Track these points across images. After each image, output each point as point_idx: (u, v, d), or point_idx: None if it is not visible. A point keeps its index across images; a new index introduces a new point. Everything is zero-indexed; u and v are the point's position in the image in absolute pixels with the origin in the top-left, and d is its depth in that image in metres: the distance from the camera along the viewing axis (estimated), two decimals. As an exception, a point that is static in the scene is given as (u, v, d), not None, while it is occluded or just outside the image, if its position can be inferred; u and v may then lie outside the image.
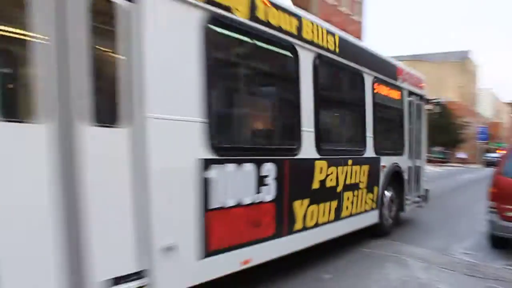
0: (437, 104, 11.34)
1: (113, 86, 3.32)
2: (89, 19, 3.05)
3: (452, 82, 53.98)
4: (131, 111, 3.34)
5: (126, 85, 3.33)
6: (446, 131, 39.84)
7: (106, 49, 3.40)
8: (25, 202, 2.74)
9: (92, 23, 3.07)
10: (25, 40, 2.83)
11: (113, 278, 3.21)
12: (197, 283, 3.94)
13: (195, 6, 3.87)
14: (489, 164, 39.11)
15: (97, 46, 3.20)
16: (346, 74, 6.87)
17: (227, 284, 4.64)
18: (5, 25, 2.85)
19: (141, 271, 3.43)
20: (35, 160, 2.80)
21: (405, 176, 8.67)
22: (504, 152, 9.17)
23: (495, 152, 46.22)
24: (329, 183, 5.89)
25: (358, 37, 29.81)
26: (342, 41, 6.33)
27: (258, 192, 4.61)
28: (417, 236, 8.14)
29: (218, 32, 4.21)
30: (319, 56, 5.71)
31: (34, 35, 2.81)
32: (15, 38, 2.92)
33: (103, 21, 3.27)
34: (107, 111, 3.27)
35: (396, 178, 8.19)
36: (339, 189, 6.15)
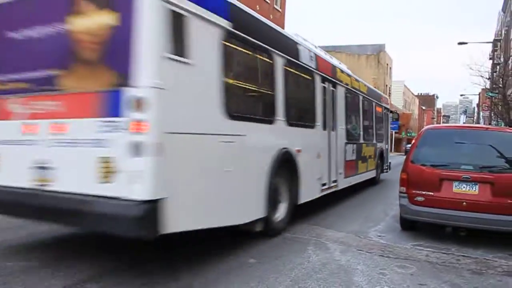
0: (394, 113, 19.87)
1: (334, 117, 9.99)
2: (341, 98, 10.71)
3: (367, 73, 56.45)
4: (335, 125, 9.98)
5: (335, 116, 10.00)
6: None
7: (329, 104, 9.82)
8: (324, 145, 9.23)
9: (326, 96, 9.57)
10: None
11: (332, 180, 9.66)
12: (343, 187, 10.53)
13: (343, 86, 10.68)
14: (407, 152, 41.92)
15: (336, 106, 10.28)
16: (370, 104, 14.11)
17: (163, 264, 4.66)
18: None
19: (335, 179, 9.90)
20: (326, 138, 9.39)
21: (384, 154, 16.13)
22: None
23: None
24: (364, 153, 12.74)
25: (281, 26, 30.30)
26: (368, 88, 14.07)
27: (352, 155, 11.29)
28: (336, 221, 8.56)
29: (346, 93, 10.94)
30: (364, 97, 13.03)
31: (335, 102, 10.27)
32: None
33: (327, 92, 9.61)
34: (333, 126, 9.89)
35: (381, 154, 15.46)
36: (367, 156, 13.12)
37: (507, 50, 40.99)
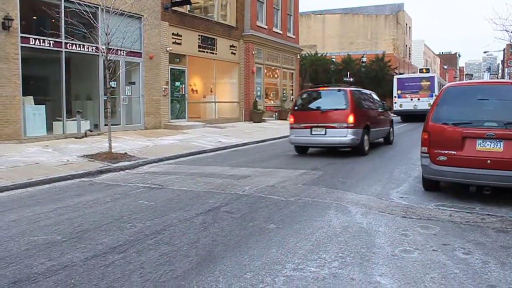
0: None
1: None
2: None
3: (386, 34, 55.19)
4: None
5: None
6: (381, 82, 41.03)
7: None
8: None
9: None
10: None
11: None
12: None
13: (441, 82, 31.78)
14: None
15: None
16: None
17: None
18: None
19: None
20: None
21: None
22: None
23: None
24: None
25: (295, -10, 29.99)
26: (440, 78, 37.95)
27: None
28: (357, 184, 8.46)
29: (441, 84, 29.17)
30: (443, 84, 28.24)
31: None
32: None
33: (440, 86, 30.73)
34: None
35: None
36: None
37: (532, 2, 39.34)
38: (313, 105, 12.87)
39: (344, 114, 11.97)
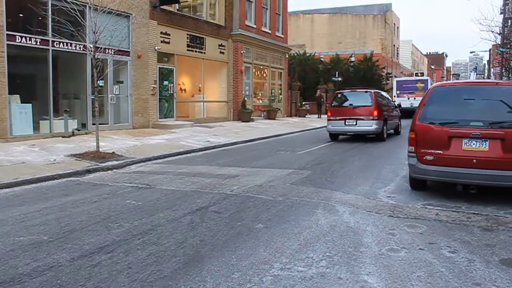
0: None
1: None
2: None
3: (374, 34, 55.45)
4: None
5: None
6: (370, 82, 41.21)
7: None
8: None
9: None
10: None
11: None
12: None
13: (430, 81, 35.12)
14: None
15: None
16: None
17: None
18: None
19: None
20: None
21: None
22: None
23: None
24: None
25: (284, -10, 29.98)
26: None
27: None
28: (344, 183, 8.50)
29: (431, 83, 30.68)
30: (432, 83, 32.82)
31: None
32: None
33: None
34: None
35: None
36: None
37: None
38: (346, 103, 16.67)
39: (370, 110, 15.81)
